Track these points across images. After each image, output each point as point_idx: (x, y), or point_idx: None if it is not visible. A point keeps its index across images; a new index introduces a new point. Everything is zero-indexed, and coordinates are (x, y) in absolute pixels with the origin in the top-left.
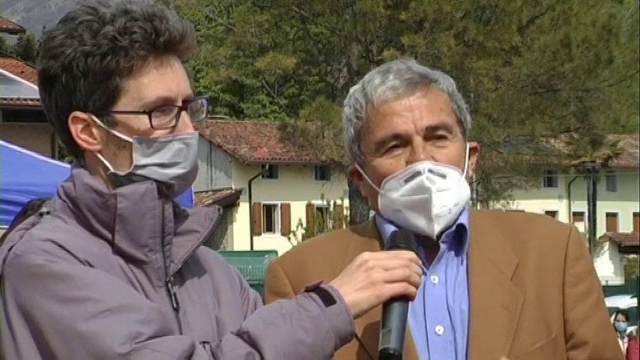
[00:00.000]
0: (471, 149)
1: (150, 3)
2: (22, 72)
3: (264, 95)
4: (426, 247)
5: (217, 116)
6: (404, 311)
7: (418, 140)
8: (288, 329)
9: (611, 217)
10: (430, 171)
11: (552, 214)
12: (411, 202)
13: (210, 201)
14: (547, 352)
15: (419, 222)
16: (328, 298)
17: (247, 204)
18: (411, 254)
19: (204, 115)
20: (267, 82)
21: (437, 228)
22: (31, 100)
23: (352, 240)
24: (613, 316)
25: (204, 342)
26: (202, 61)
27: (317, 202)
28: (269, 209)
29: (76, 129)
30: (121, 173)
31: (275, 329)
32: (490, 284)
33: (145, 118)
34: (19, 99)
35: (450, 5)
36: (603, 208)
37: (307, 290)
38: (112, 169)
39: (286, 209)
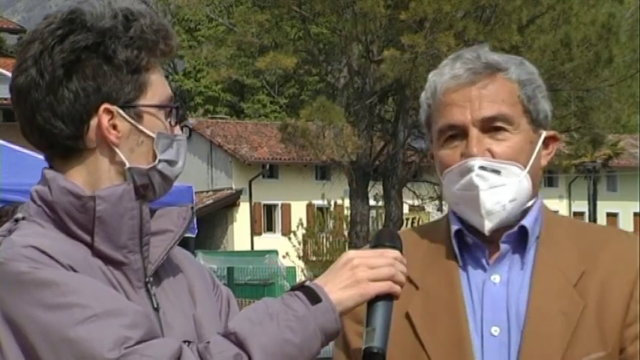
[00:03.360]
0: (547, 138)
1: (143, 8)
2: None
3: (264, 95)
4: (489, 244)
5: (218, 116)
6: (388, 310)
7: (474, 132)
8: (276, 329)
9: (612, 217)
10: (482, 167)
11: None
12: (464, 197)
13: (211, 201)
14: None
15: (472, 217)
16: (314, 297)
17: (248, 204)
18: (396, 253)
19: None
20: (267, 82)
21: (488, 224)
22: None
23: (428, 234)
24: None
25: (187, 342)
26: (203, 61)
27: (317, 202)
28: (269, 209)
29: (104, 120)
30: (144, 167)
31: (262, 329)
32: (552, 289)
33: (162, 113)
34: None
35: (450, 5)
36: (604, 208)
37: (293, 289)
38: (128, 165)
39: (287, 209)
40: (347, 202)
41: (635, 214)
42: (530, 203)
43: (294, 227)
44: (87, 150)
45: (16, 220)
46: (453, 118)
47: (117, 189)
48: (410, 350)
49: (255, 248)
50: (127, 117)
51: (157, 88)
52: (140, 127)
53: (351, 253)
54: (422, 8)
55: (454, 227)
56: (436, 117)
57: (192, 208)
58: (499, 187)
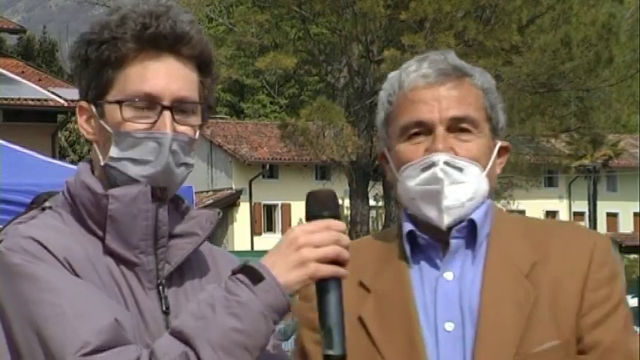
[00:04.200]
0: (501, 148)
1: (166, 4)
2: (23, 72)
3: (264, 95)
4: (441, 242)
5: (218, 116)
6: (339, 298)
7: (440, 130)
8: (219, 320)
9: (612, 217)
10: (446, 163)
11: (553, 214)
12: (424, 192)
13: (211, 201)
14: (557, 354)
15: (430, 213)
16: (256, 275)
17: (248, 204)
18: (340, 224)
19: (199, 122)
20: (267, 82)
21: (446, 220)
22: (32, 100)
23: (380, 239)
24: None
25: None
26: None
27: None
28: (269, 209)
29: (81, 118)
30: (102, 164)
31: (205, 323)
32: (504, 280)
33: (129, 111)
34: (19, 99)
35: (450, 5)
36: (604, 208)
37: (234, 273)
38: (102, 161)
39: (287, 209)
40: (347, 202)
41: (635, 214)
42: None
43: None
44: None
45: (43, 209)
46: (420, 115)
47: (132, 189)
48: (364, 354)
49: (256, 248)
50: (95, 113)
51: (125, 84)
52: (102, 123)
53: (297, 231)
54: (422, 8)
55: (406, 228)
56: (400, 113)
57: (219, 212)
58: (460, 184)
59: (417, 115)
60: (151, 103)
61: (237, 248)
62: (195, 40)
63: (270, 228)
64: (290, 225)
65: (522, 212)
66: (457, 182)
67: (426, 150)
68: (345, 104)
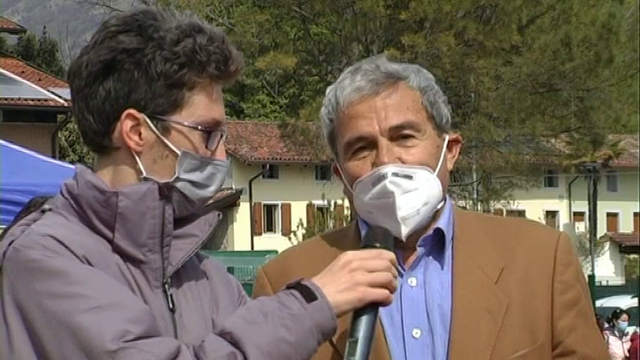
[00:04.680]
0: (450, 141)
1: (216, 28)
2: (23, 72)
3: (264, 95)
4: (404, 249)
5: None
6: (374, 320)
7: (383, 142)
8: (270, 328)
9: (612, 217)
10: (394, 174)
11: (553, 214)
12: (378, 205)
13: (211, 201)
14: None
15: (388, 224)
16: (309, 295)
17: (248, 204)
18: (392, 255)
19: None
20: (267, 82)
21: (404, 230)
22: (32, 100)
23: (335, 243)
24: (612, 315)
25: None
26: None
27: (318, 202)
28: (270, 209)
29: (126, 125)
30: (160, 181)
31: (257, 328)
32: (474, 287)
33: (198, 135)
34: (19, 99)
35: (450, 5)
36: (604, 208)
37: (289, 287)
38: (145, 174)
39: (287, 209)
40: (347, 202)
41: (636, 214)
42: (440, 205)
43: (294, 227)
44: (114, 150)
45: (43, 211)
46: (360, 130)
47: (141, 187)
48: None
49: (256, 248)
50: (153, 127)
51: (198, 108)
52: (165, 140)
53: (349, 255)
54: (422, 8)
55: (363, 232)
56: (342, 130)
57: (218, 215)
58: (412, 192)
59: (357, 130)
60: (216, 130)
61: (237, 248)
62: (241, 71)
63: (270, 228)
64: (290, 225)
65: (522, 212)
66: (409, 190)
67: (372, 164)
68: None
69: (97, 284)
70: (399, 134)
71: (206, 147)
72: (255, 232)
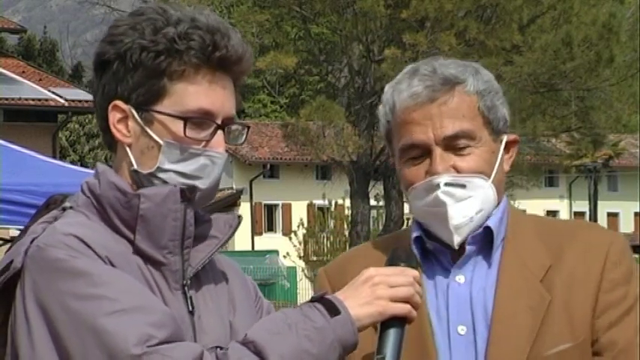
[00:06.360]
0: (508, 142)
1: (218, 19)
2: (23, 72)
3: (265, 95)
4: (452, 250)
5: None
6: (401, 336)
7: (437, 151)
8: (294, 339)
9: (613, 216)
10: (447, 184)
11: (553, 213)
12: (431, 213)
13: (212, 201)
14: (571, 357)
15: (441, 232)
16: (333, 309)
17: (248, 204)
18: (415, 272)
19: (243, 140)
20: (268, 82)
21: (457, 239)
22: (32, 99)
23: (392, 245)
24: None
25: (216, 347)
26: None
27: (318, 202)
28: (270, 209)
29: (114, 117)
30: (143, 172)
31: (281, 339)
32: (518, 285)
33: (181, 124)
34: (20, 99)
35: (451, 4)
36: (604, 208)
37: (312, 300)
38: (135, 166)
39: (287, 209)
40: (348, 202)
41: (636, 213)
42: (495, 210)
43: (294, 227)
44: (116, 144)
45: (64, 209)
46: (414, 137)
47: (163, 189)
48: None
49: (256, 248)
50: (138, 118)
51: (182, 98)
52: (149, 131)
53: (371, 270)
54: (423, 7)
55: (414, 234)
56: (397, 135)
57: (239, 216)
58: (465, 201)
59: (411, 137)
60: (205, 120)
61: (237, 248)
62: (249, 62)
63: (270, 228)
64: (291, 225)
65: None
66: (462, 199)
67: (426, 172)
68: (346, 104)
69: (121, 286)
70: (453, 143)
71: (197, 137)
72: (255, 231)
